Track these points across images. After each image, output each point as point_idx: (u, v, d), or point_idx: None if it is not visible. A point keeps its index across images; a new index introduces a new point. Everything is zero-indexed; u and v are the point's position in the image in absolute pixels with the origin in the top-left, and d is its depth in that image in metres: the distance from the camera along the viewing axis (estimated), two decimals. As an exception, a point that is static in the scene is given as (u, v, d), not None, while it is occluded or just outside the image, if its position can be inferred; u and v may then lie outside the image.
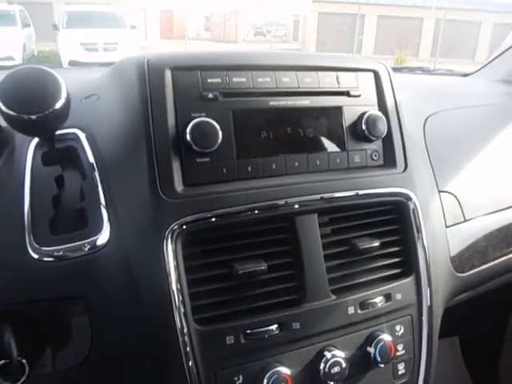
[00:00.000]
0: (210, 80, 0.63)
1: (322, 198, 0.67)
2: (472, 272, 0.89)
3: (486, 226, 0.92)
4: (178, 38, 21.55)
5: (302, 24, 24.28)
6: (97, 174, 0.65)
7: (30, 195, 0.62)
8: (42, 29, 12.57)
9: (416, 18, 19.45)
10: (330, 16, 19.87)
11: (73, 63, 9.53)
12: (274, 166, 0.66)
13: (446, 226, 0.84)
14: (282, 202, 0.65)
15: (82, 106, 0.71)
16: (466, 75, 1.51)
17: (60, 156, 0.67)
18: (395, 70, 1.79)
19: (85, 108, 0.71)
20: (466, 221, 0.88)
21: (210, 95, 0.63)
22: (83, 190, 0.64)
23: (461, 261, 0.86)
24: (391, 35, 19.09)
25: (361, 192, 0.70)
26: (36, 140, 0.67)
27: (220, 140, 0.61)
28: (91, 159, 0.66)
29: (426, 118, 0.95)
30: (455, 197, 0.88)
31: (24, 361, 0.55)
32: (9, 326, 0.55)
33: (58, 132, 0.65)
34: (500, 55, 1.41)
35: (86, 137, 0.68)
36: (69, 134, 0.68)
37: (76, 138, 0.68)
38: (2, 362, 0.53)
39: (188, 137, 0.60)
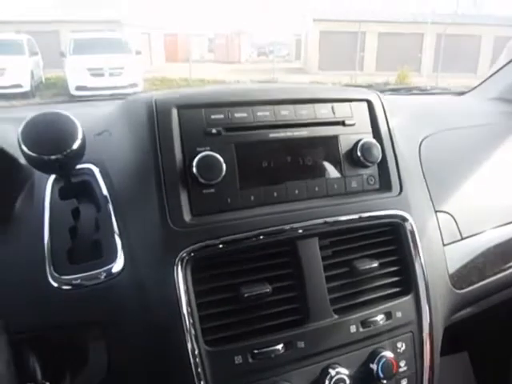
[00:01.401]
0: (213, 116, 0.68)
1: (325, 222, 0.71)
2: (471, 288, 0.91)
3: (482, 243, 0.95)
4: (183, 61, 21.88)
5: (303, 43, 24.58)
6: (110, 206, 0.69)
7: (49, 227, 0.67)
8: (50, 56, 12.86)
9: (417, 34, 19.64)
10: (331, 34, 20.12)
11: (80, 88, 9.73)
12: (275, 194, 0.71)
13: (444, 245, 0.88)
14: (286, 227, 0.69)
15: (95, 142, 0.76)
16: (461, 93, 1.55)
17: (76, 190, 0.72)
18: (393, 90, 1.84)
19: (98, 144, 0.76)
20: (462, 239, 0.91)
21: (214, 130, 0.68)
22: (98, 222, 0.69)
23: (459, 278, 0.89)
24: (393, 52, 19.25)
25: (362, 215, 0.74)
26: (54, 176, 0.72)
27: (224, 172, 0.66)
28: (105, 192, 0.71)
29: (421, 141, 0.99)
30: (452, 216, 0.91)
31: (47, 383, 0.58)
32: (33, 350, 0.59)
33: None
34: (494, 74, 1.46)
35: (100, 171, 0.73)
36: (84, 168, 0.73)
37: (90, 172, 0.73)
38: None
39: (194, 170, 0.64)
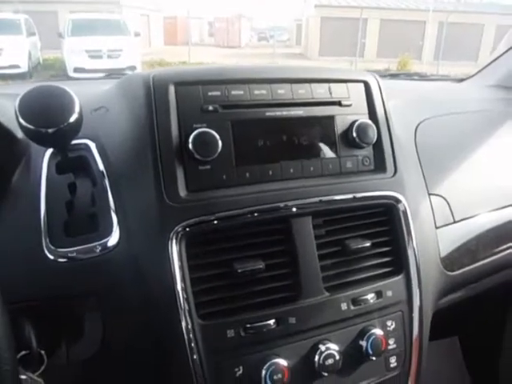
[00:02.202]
0: (210, 93, 0.69)
1: (320, 201, 0.72)
2: (462, 271, 0.93)
3: (475, 226, 0.96)
4: (182, 44, 21.68)
5: (304, 29, 24.35)
6: (106, 181, 0.70)
7: (45, 201, 0.67)
8: (48, 37, 12.72)
9: (419, 22, 19.47)
10: (332, 20, 19.93)
11: (78, 70, 9.66)
12: (270, 172, 0.71)
13: (436, 227, 0.89)
14: (281, 204, 0.69)
15: (92, 118, 0.76)
16: (461, 80, 1.55)
17: (72, 165, 0.72)
18: (393, 76, 1.84)
19: (95, 120, 0.76)
20: (455, 222, 0.93)
21: (211, 107, 0.68)
22: (94, 196, 0.69)
23: (451, 260, 0.90)
24: (394, 39, 19.10)
25: (356, 195, 0.75)
26: (50, 150, 0.72)
27: (220, 149, 0.66)
28: (101, 167, 0.71)
29: (418, 125, 1.00)
30: (445, 199, 0.92)
31: (43, 352, 0.60)
32: (28, 320, 0.60)
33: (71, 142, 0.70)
34: (494, 61, 1.46)
35: (97, 147, 0.73)
36: (80, 144, 0.74)
37: (87, 147, 0.74)
38: (23, 352, 0.58)
39: (190, 146, 0.65)
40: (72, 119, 0.60)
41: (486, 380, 1.67)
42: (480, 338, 1.69)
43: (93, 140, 0.74)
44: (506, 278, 1.09)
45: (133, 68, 9.88)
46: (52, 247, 0.64)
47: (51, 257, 0.64)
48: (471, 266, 0.95)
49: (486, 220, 0.98)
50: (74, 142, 0.72)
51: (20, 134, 0.71)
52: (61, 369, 0.66)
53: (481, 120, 1.13)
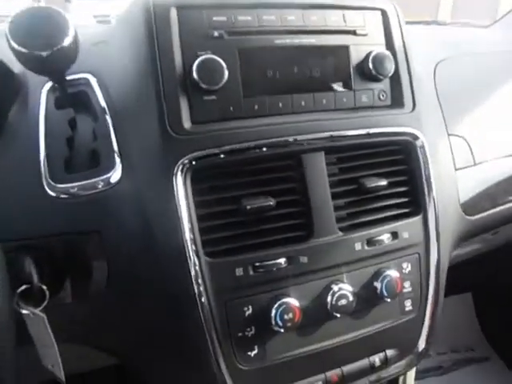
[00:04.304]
0: (215, 18, 0.64)
1: (331, 136, 0.68)
2: (481, 215, 0.89)
3: (496, 170, 0.92)
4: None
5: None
6: (108, 115, 0.66)
7: (44, 136, 0.64)
8: (54, 1, 12.48)
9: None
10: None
11: (86, 35, 9.52)
12: (280, 105, 0.67)
13: (456, 169, 0.84)
14: (290, 139, 0.65)
15: (91, 52, 0.72)
16: (486, 27, 1.47)
17: (72, 100, 0.68)
18: (411, 23, 1.74)
19: (95, 54, 0.72)
20: (475, 164, 0.88)
21: (216, 33, 0.63)
22: (95, 132, 0.66)
23: (470, 204, 0.86)
24: (409, -3, 18.42)
25: (371, 131, 0.70)
26: (48, 85, 0.68)
27: (226, 77, 0.62)
28: (102, 102, 0.67)
29: (437, 63, 0.94)
30: (465, 140, 0.87)
31: (44, 287, 0.58)
32: (28, 255, 0.58)
33: (70, 77, 0.66)
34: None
35: (97, 81, 0.69)
36: (80, 79, 0.69)
37: (87, 82, 0.70)
38: (24, 287, 0.57)
39: (194, 74, 0.61)
40: (66, 42, 0.55)
41: (498, 334, 1.66)
42: (493, 295, 1.68)
43: (93, 75, 0.70)
44: None
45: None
46: (52, 183, 0.61)
47: (52, 193, 0.61)
48: (490, 211, 0.91)
49: (507, 164, 0.94)
50: (74, 76, 0.68)
51: (16, 69, 0.67)
52: (64, 306, 0.64)
53: (506, 61, 1.06)
